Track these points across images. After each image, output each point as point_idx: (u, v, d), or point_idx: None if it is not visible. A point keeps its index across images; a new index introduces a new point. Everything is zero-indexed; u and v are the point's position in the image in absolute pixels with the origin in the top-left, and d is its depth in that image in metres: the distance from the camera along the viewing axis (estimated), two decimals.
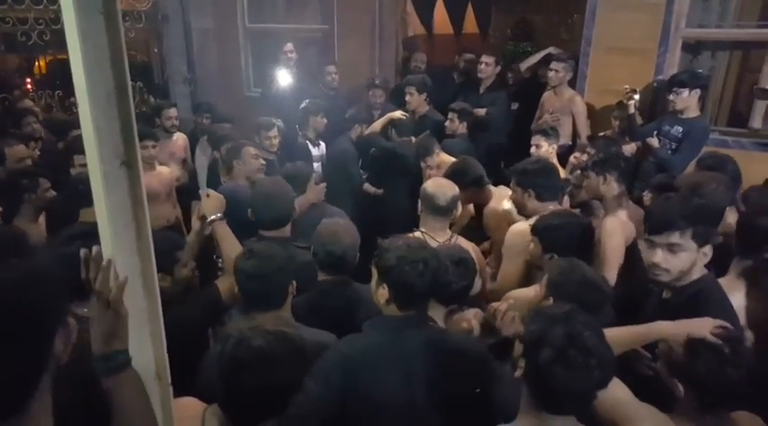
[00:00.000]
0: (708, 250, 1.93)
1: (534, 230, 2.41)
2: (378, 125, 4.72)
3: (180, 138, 5.03)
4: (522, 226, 2.72)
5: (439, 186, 2.75)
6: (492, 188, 3.43)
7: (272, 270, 1.99)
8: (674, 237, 1.91)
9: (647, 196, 3.21)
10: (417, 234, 2.61)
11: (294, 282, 2.08)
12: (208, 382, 1.57)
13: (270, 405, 1.46)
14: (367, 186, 4.79)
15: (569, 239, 2.30)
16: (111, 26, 0.97)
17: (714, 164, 3.13)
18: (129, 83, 1.06)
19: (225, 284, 2.32)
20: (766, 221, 2.28)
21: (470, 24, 9.24)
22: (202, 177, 4.78)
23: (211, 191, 2.63)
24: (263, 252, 2.04)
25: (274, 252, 2.07)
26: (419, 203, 2.81)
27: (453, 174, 3.28)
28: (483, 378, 1.78)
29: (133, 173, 1.05)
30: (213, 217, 2.50)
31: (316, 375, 1.76)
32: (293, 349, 1.48)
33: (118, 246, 1.07)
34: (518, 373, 1.42)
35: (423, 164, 4.14)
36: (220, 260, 2.75)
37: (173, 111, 5.03)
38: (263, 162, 3.71)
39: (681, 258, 1.92)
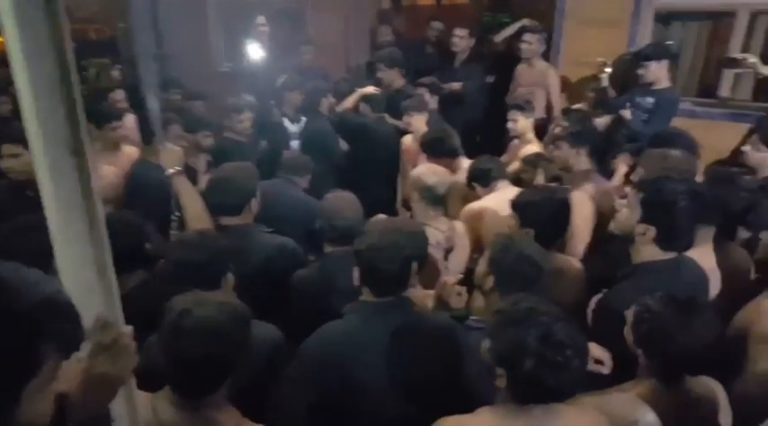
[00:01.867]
0: (650, 233, 1.90)
1: (513, 206, 2.44)
2: (350, 101, 4.66)
3: (129, 119, 4.82)
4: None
5: (435, 175, 2.77)
6: (464, 160, 3.54)
7: (205, 259, 1.92)
8: (629, 188, 2.02)
9: (617, 160, 3.24)
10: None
11: (230, 274, 2.00)
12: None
13: (216, 374, 1.48)
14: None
15: (544, 214, 2.33)
16: (49, 5, 0.92)
17: (667, 141, 3.06)
18: (74, 65, 1.01)
19: None
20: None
21: None
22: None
23: (168, 144, 2.63)
24: (191, 241, 1.99)
25: (203, 240, 2.01)
26: (411, 193, 2.80)
27: (432, 141, 3.51)
28: (459, 361, 1.80)
29: (82, 162, 1.02)
30: (171, 170, 2.51)
31: (297, 363, 1.78)
32: (237, 317, 1.50)
33: (69, 238, 1.04)
34: (500, 383, 1.41)
35: (405, 118, 4.15)
36: (176, 214, 2.74)
37: (119, 94, 4.87)
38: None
39: (625, 213, 1.99)
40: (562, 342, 1.36)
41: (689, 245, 2.03)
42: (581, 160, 2.85)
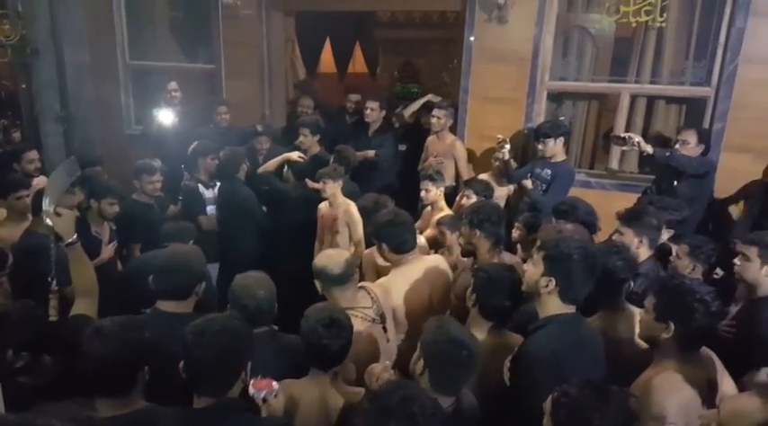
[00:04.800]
0: (551, 285, 2.09)
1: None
2: (273, 164, 4.72)
3: (41, 182, 4.60)
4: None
5: (326, 257, 2.66)
6: None
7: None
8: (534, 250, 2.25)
9: (515, 232, 3.53)
10: (350, 311, 2.44)
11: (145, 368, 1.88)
12: None
13: None
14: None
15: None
16: None
17: (567, 209, 3.35)
18: None
19: (80, 307, 2.36)
20: None
21: (359, 64, 9.51)
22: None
23: (64, 210, 2.48)
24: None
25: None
26: (317, 283, 2.67)
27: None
28: None
29: None
30: (70, 240, 2.40)
31: None
32: None
33: None
34: None
35: (320, 185, 4.16)
36: (54, 281, 2.60)
37: (34, 154, 4.65)
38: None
39: (530, 269, 2.21)
40: None
41: (582, 300, 2.19)
42: (483, 241, 3.05)
